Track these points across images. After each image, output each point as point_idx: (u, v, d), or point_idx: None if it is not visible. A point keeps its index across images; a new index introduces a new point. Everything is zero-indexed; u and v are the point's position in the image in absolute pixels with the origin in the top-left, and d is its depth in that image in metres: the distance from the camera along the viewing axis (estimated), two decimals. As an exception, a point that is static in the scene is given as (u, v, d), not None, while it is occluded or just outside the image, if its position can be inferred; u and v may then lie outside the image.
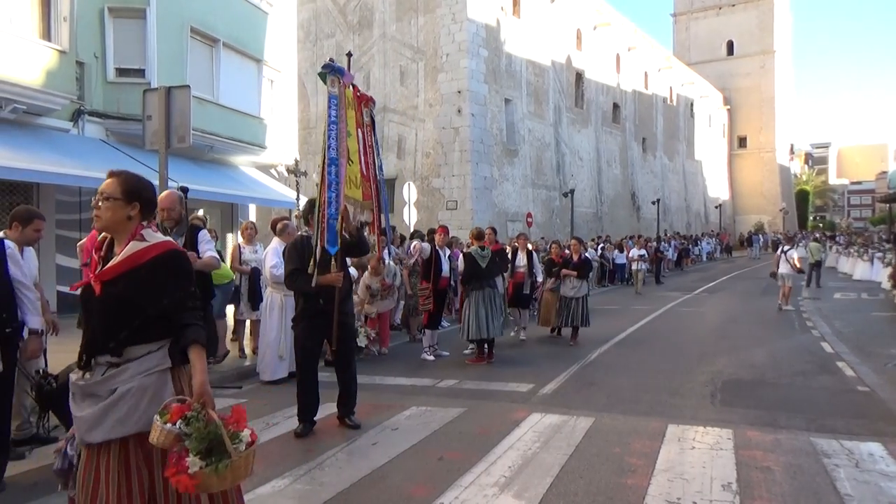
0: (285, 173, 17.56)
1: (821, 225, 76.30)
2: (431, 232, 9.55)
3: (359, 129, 5.34)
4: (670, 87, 45.27)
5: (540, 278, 10.76)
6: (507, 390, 6.73)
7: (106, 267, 2.45)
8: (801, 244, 24.31)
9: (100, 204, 2.46)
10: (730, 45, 58.43)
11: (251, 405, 6.03)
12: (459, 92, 24.10)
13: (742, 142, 58.61)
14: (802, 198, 69.02)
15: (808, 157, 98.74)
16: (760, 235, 44.87)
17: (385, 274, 8.69)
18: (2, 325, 3.98)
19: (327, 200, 4.86)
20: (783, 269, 14.26)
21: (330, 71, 5.03)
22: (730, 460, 4.41)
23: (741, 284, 21.99)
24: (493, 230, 9.76)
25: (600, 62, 34.68)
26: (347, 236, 5.12)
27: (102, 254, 2.54)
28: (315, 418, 5.24)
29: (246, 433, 2.27)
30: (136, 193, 2.51)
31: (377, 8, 26.23)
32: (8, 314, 4.03)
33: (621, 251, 22.21)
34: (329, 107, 5.01)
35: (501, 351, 8.82)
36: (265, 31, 15.85)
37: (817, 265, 19.53)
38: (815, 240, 23.94)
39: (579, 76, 32.73)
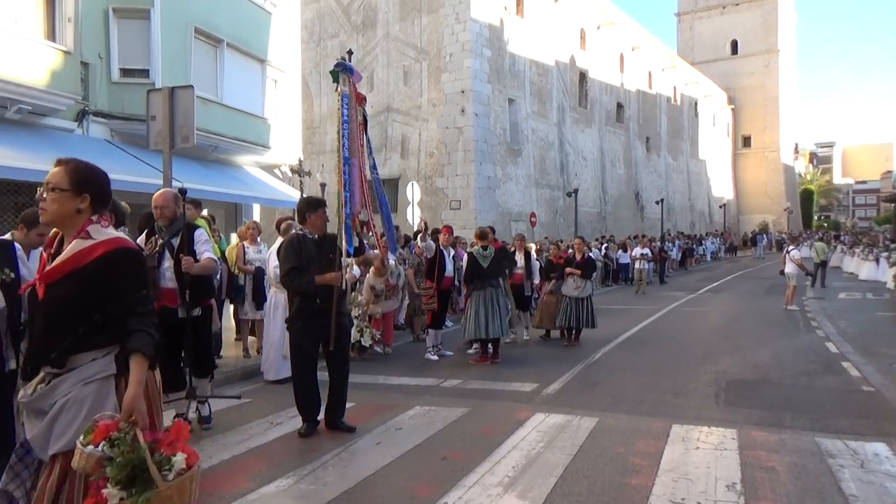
0: (289, 173, 17.56)
1: (825, 225, 76.05)
2: (436, 231, 9.54)
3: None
4: (674, 87, 45.13)
5: (537, 280, 10.65)
6: (511, 390, 6.73)
7: (49, 267, 2.20)
8: (805, 244, 24.26)
9: (44, 196, 2.18)
10: (734, 45, 58.22)
11: (255, 405, 6.06)
12: (463, 92, 24.09)
13: (746, 141, 58.35)
14: (807, 197, 68.80)
15: (813, 157, 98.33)
16: (764, 235, 44.75)
17: (389, 275, 8.70)
18: (18, 325, 4.01)
19: (344, 201, 4.87)
20: (789, 268, 14.47)
21: (342, 69, 5.03)
22: (734, 460, 4.40)
23: (745, 284, 21.92)
24: (492, 229, 9.73)
25: (604, 62, 34.61)
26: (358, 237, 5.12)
27: (52, 251, 2.27)
28: (319, 417, 5.23)
29: (180, 458, 1.98)
30: (86, 184, 2.21)
31: (381, 8, 26.24)
32: (20, 314, 4.06)
33: (625, 251, 22.18)
34: (342, 106, 5.00)
35: (505, 351, 8.82)
36: (269, 31, 15.86)
37: (822, 265, 19.51)
38: (821, 239, 23.88)
39: (583, 76, 32.68)
